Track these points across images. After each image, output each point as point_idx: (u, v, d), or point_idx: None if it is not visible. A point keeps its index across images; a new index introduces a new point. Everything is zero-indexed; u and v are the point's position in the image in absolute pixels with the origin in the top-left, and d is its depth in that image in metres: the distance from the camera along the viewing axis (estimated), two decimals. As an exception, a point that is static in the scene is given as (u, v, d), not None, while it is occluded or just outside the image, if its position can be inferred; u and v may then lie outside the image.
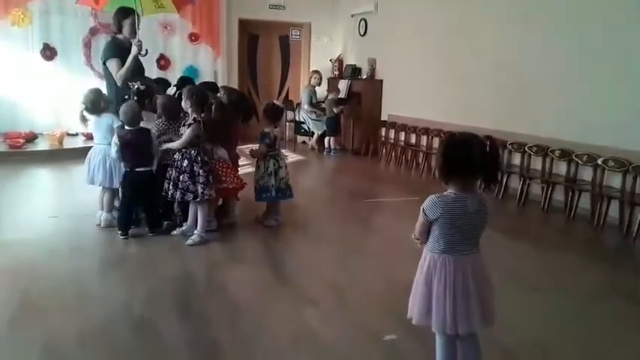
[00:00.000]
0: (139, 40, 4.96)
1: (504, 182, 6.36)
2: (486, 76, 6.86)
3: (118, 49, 5.00)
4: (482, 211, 2.21)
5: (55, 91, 8.68)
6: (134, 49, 4.93)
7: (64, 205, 5.21)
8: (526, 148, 6.18)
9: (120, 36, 5.10)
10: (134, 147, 4.29)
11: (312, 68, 10.15)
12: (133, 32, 5.01)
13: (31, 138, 8.16)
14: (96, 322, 3.08)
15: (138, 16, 5.00)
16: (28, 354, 2.72)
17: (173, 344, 2.86)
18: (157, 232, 4.45)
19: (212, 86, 5.42)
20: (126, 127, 4.29)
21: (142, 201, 4.45)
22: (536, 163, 6.15)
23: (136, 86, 4.66)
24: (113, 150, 4.33)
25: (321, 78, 9.14)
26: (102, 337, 2.90)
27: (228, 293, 3.51)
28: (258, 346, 2.88)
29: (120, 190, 4.52)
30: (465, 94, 7.20)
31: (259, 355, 2.80)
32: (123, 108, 4.32)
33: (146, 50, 5.06)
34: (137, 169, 4.31)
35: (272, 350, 2.85)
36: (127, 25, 5.02)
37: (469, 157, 2.15)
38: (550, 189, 5.81)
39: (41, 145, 8.05)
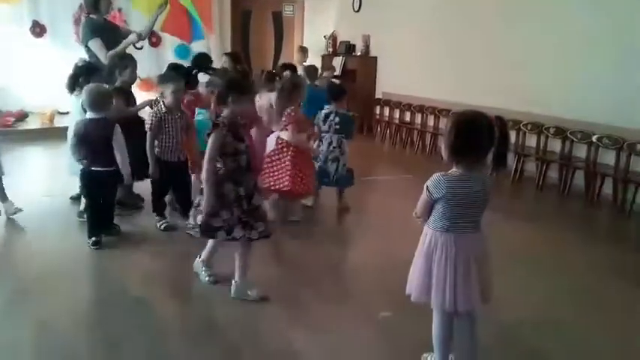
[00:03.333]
0: (141, 35, 4.96)
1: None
2: (482, 53, 6.82)
3: (96, 29, 4.86)
4: (485, 190, 2.21)
5: (45, 69, 8.55)
6: (133, 37, 4.87)
7: (56, 185, 5.15)
8: (521, 126, 6.17)
9: (94, 16, 4.94)
10: (90, 142, 3.65)
11: (305, 44, 10.02)
12: (107, 9, 4.99)
13: (22, 116, 8.06)
14: (89, 302, 3.09)
15: None
16: (23, 333, 2.72)
17: (166, 325, 2.88)
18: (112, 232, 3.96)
19: (206, 57, 5.41)
20: (87, 114, 3.71)
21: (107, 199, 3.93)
22: (531, 141, 6.15)
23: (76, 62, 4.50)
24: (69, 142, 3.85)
25: (307, 54, 9.01)
26: (96, 317, 2.90)
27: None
28: (253, 324, 2.90)
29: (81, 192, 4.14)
30: (460, 70, 7.16)
31: (256, 333, 2.82)
32: (86, 87, 3.77)
33: (142, 46, 5.06)
34: (93, 168, 3.72)
35: (267, 328, 2.87)
36: (103, 2, 4.90)
37: (480, 138, 2.14)
38: (545, 166, 5.81)
39: (32, 123, 7.96)
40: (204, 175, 2.90)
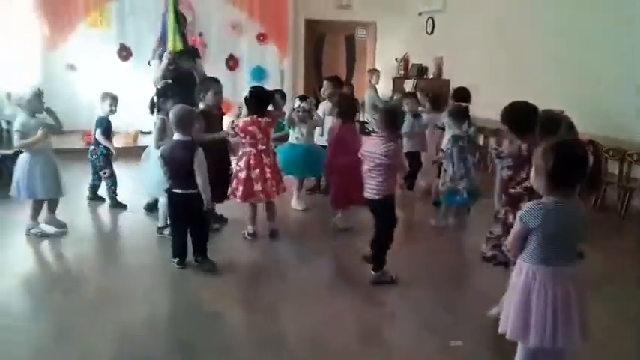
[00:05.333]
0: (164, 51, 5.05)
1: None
2: (563, 77, 6.58)
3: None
4: (580, 220, 2.13)
5: (130, 91, 9.03)
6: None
7: (140, 202, 5.38)
8: (602, 151, 5.88)
9: None
10: (172, 163, 3.70)
11: (377, 67, 10.07)
12: None
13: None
14: (166, 312, 3.21)
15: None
16: (103, 338, 2.87)
17: (238, 335, 2.95)
18: (201, 259, 3.88)
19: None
20: (174, 135, 3.77)
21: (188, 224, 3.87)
22: (613, 167, 5.85)
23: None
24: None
25: (379, 76, 9.06)
26: (171, 326, 3.01)
27: (290, 286, 3.56)
28: (324, 342, 2.91)
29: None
30: (536, 92, 6.93)
31: (327, 351, 2.83)
32: (173, 108, 3.86)
33: (148, 62, 5.35)
34: (174, 190, 3.75)
35: (339, 348, 2.87)
36: None
37: (580, 167, 2.09)
38: (628, 195, 5.50)
39: (116, 142, 8.40)
40: None
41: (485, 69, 8.15)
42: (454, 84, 9.13)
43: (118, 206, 5.28)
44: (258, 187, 4.35)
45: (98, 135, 5.18)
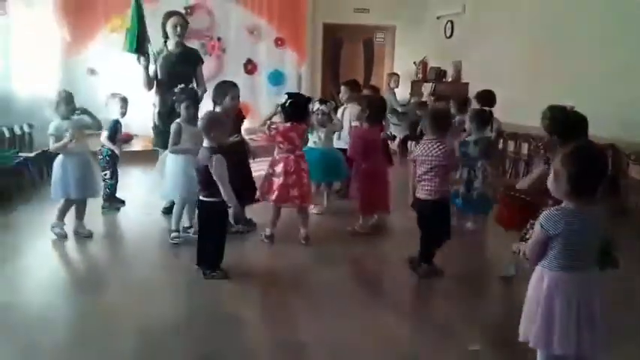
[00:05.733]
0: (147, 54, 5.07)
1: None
2: (586, 79, 6.47)
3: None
4: (599, 225, 2.11)
5: (150, 95, 9.12)
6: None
7: (158, 203, 5.42)
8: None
9: (168, 41, 5.18)
10: (197, 170, 3.72)
11: (396, 71, 10.05)
12: (177, 35, 5.06)
13: (128, 139, 8.62)
14: (183, 315, 3.22)
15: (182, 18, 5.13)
16: (121, 340, 2.88)
17: (257, 341, 2.94)
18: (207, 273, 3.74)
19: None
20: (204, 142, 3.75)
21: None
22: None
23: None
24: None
25: (398, 80, 9.04)
26: (189, 330, 3.02)
27: (312, 292, 3.56)
28: (339, 346, 2.90)
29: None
30: (561, 98, 6.84)
31: (341, 354, 2.82)
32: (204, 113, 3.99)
33: (139, 59, 5.12)
34: (200, 197, 3.74)
35: (353, 352, 2.86)
36: (168, 28, 5.10)
37: (599, 173, 2.08)
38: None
39: (136, 145, 8.51)
40: None
41: (504, 72, 8.08)
42: (473, 87, 9.08)
43: (111, 205, 5.32)
44: (295, 192, 4.37)
45: (103, 137, 5.22)
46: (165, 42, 5.13)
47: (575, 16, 6.72)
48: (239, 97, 4.65)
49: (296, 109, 4.46)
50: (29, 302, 3.35)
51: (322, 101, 5.49)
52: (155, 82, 5.18)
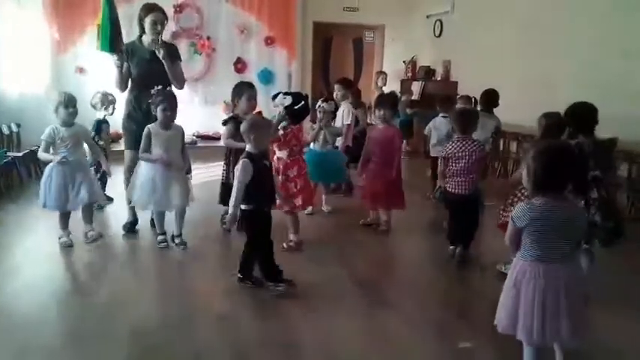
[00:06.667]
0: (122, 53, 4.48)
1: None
2: (573, 79, 6.53)
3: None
4: (575, 220, 2.18)
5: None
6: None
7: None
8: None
9: (144, 36, 4.55)
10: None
11: (385, 70, 10.07)
12: (155, 33, 4.43)
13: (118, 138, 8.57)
14: (176, 315, 3.22)
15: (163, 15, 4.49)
16: (114, 339, 2.88)
17: (251, 342, 2.95)
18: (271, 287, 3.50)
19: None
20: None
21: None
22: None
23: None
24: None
25: (386, 79, 9.08)
26: (182, 330, 3.02)
27: (300, 289, 3.56)
28: (333, 345, 2.91)
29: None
30: (545, 96, 6.91)
31: (335, 354, 2.83)
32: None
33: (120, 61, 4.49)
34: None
35: (347, 350, 2.87)
36: (147, 24, 4.46)
37: (565, 168, 2.17)
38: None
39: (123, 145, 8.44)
40: None
41: (493, 71, 8.13)
42: (462, 86, 9.15)
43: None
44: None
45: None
46: (141, 37, 4.57)
47: (565, 15, 6.78)
48: (256, 97, 4.55)
49: (305, 110, 4.28)
50: (18, 303, 3.32)
51: (325, 100, 5.34)
52: (129, 82, 4.58)
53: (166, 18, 4.56)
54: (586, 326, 2.25)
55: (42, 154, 4.16)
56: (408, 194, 4.98)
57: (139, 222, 4.70)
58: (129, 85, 4.56)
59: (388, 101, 5.08)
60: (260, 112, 4.77)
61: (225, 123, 4.60)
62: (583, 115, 3.58)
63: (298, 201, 4.26)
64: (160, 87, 4.18)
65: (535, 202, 2.20)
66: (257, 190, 3.36)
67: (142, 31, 4.52)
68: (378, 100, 5.29)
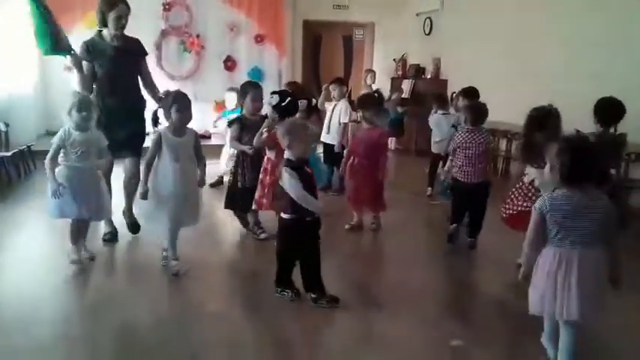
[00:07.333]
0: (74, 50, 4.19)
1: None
2: (563, 76, 6.57)
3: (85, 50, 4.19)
4: (596, 207, 2.36)
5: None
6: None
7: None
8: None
9: (104, 31, 4.21)
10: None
11: (375, 68, 10.08)
12: (120, 28, 4.15)
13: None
14: (167, 315, 3.21)
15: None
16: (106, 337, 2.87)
17: (243, 338, 2.95)
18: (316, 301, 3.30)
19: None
20: None
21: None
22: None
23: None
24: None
25: (375, 77, 9.09)
26: (176, 330, 3.01)
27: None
28: (325, 344, 2.92)
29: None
30: (538, 94, 6.93)
31: (327, 354, 2.84)
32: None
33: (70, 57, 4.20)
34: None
35: (340, 349, 2.88)
36: (111, 19, 4.12)
37: (593, 163, 2.37)
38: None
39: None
40: None
41: (482, 69, 8.17)
42: (451, 84, 9.18)
43: None
44: None
45: None
46: (101, 32, 4.21)
47: (553, 14, 6.82)
48: (261, 98, 4.45)
49: (293, 106, 4.26)
50: (7, 303, 3.29)
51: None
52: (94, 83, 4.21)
53: (129, 10, 4.20)
54: (596, 308, 2.42)
55: (48, 162, 3.61)
56: (397, 192, 5.01)
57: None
58: (94, 87, 4.18)
59: (367, 102, 4.99)
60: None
61: (230, 124, 4.50)
62: (603, 108, 3.87)
63: None
64: (166, 89, 3.89)
65: (556, 192, 2.40)
66: None
67: (103, 25, 4.17)
68: (358, 101, 5.26)
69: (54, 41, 4.04)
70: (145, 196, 3.64)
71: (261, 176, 4.31)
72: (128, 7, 4.19)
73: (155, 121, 3.79)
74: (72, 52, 4.14)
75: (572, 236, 2.37)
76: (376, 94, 5.61)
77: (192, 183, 3.77)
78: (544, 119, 3.69)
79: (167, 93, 3.79)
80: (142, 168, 3.83)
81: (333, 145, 6.08)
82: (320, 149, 5.67)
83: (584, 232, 2.37)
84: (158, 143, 3.62)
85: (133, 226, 4.46)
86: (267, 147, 4.26)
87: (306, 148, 3.27)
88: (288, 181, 3.13)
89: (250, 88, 4.46)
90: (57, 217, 3.77)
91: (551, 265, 2.41)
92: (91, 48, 4.17)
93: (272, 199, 4.11)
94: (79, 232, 3.83)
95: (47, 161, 3.63)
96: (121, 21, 4.14)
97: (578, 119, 3.87)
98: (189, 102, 3.73)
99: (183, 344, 2.86)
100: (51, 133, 7.24)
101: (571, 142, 2.42)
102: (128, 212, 4.46)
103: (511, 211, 3.86)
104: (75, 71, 4.18)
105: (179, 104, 3.63)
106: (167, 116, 3.66)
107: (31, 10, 3.99)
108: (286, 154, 3.25)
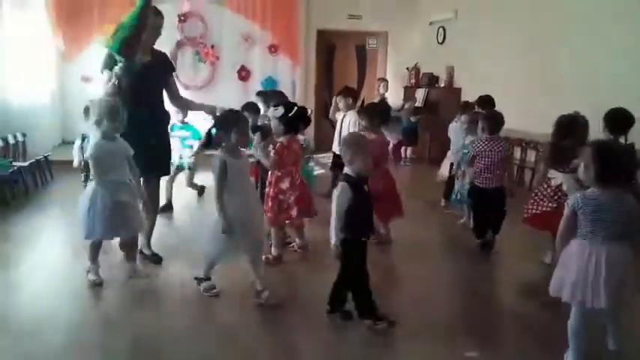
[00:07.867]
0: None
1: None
2: (578, 85, 6.51)
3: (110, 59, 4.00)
4: (623, 204, 2.53)
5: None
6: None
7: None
8: None
9: None
10: None
11: (388, 77, 10.08)
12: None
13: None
14: (181, 325, 3.22)
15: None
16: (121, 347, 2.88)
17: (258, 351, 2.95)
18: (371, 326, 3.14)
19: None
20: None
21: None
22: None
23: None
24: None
25: (387, 85, 9.07)
26: (189, 338, 3.02)
27: (302, 300, 3.55)
28: (337, 356, 2.90)
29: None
30: (553, 103, 6.89)
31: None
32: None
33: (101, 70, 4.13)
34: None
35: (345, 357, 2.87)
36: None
37: (621, 166, 2.55)
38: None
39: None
40: None
41: (496, 78, 8.13)
42: (465, 93, 9.15)
43: None
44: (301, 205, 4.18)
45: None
46: None
47: (568, 23, 6.77)
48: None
49: (299, 118, 4.15)
50: (23, 313, 3.33)
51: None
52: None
53: (163, 20, 4.14)
54: (621, 297, 2.61)
55: (97, 179, 3.50)
56: (410, 201, 4.97)
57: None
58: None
59: (367, 111, 5.00)
60: None
61: (254, 132, 4.30)
62: (613, 118, 4.00)
63: (294, 212, 4.14)
64: (221, 107, 3.79)
65: (588, 191, 2.59)
66: (355, 217, 3.04)
67: None
68: (359, 110, 5.30)
69: (125, 45, 3.85)
70: (227, 230, 3.34)
71: (266, 190, 4.27)
72: (163, 18, 4.12)
73: (208, 143, 3.50)
74: (130, 59, 3.89)
75: (601, 231, 2.54)
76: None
77: (258, 204, 3.78)
78: (572, 126, 3.88)
79: (224, 112, 3.61)
80: (214, 202, 3.39)
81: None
82: (329, 159, 5.65)
83: (612, 228, 2.53)
84: (224, 170, 3.32)
85: (155, 257, 4.23)
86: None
87: (367, 164, 3.08)
88: (337, 197, 3.01)
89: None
90: (94, 238, 3.66)
91: (581, 258, 2.56)
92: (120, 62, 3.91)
93: (277, 212, 4.16)
94: (97, 249, 3.75)
95: (96, 179, 3.54)
96: (159, 32, 4.09)
97: (594, 129, 3.91)
98: (248, 122, 3.59)
99: (198, 356, 2.86)
100: (67, 143, 7.37)
101: (603, 146, 2.62)
102: (147, 244, 4.25)
103: (535, 211, 4.06)
104: (105, 81, 4.02)
105: (242, 125, 3.43)
106: (225, 137, 3.40)
107: (135, 11, 3.86)
108: (345, 169, 3.13)
